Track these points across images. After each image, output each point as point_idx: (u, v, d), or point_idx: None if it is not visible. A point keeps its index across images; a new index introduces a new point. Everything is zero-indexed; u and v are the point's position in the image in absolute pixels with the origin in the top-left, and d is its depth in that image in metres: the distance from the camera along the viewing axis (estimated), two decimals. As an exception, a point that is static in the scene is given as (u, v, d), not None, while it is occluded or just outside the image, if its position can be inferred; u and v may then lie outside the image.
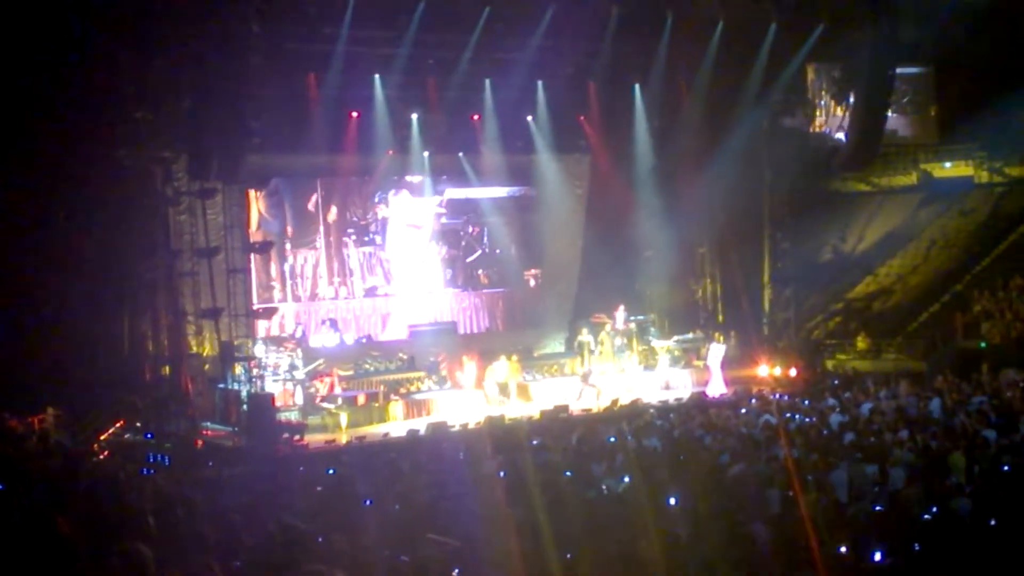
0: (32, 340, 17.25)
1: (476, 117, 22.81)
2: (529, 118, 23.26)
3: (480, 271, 25.00)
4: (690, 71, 23.16)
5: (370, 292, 23.06)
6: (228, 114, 17.49)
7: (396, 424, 18.66)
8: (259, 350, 18.64)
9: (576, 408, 19.29)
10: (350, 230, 22.93)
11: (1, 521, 6.87)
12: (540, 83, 22.74)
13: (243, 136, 17.93)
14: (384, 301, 23.10)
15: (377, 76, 20.90)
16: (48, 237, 17.87)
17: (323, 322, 21.28)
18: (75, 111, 17.80)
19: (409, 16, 19.74)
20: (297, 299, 21.89)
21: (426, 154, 22.66)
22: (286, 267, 21.92)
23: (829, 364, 23.48)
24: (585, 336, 22.23)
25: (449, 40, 20.86)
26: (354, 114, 21.30)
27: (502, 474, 11.25)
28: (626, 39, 22.01)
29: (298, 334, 20.43)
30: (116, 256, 18.35)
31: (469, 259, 24.87)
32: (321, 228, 22.43)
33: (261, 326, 19.66)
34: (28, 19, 17.24)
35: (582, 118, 23.70)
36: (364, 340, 21.68)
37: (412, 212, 23.58)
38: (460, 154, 23.29)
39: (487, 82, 22.29)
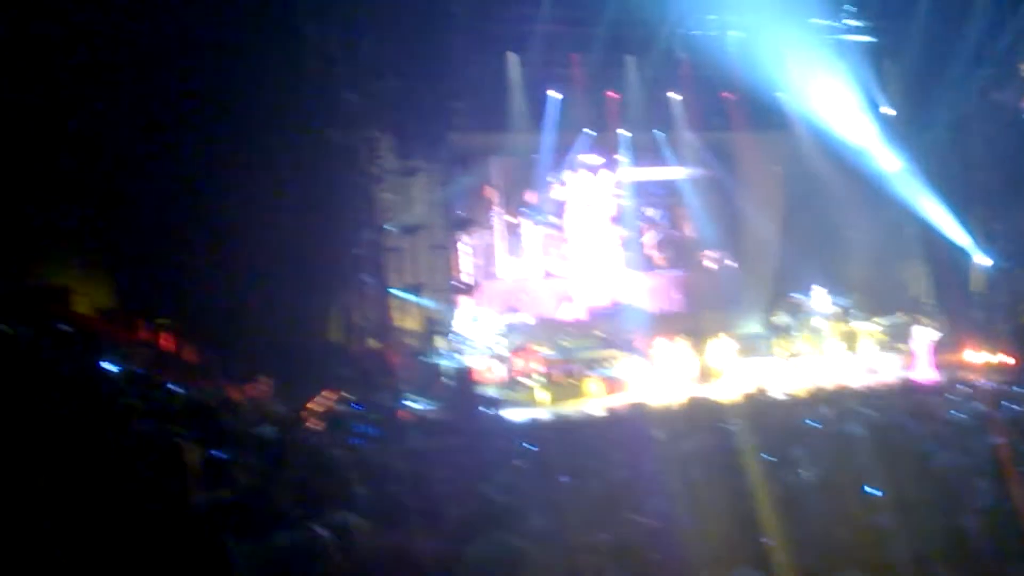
0: (248, 313, 18.08)
1: (672, 95, 22.69)
2: (727, 95, 22.98)
3: (664, 252, 24.84)
4: (895, 45, 22.46)
5: (548, 274, 23.20)
6: (431, 95, 17.99)
7: (593, 401, 18.82)
8: (460, 325, 19.09)
9: (778, 390, 19.03)
10: (526, 209, 23.09)
11: (220, 488, 7.23)
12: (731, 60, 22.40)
13: (445, 116, 18.40)
14: (563, 283, 23.22)
15: (575, 55, 21.04)
16: (263, 214, 18.67)
17: (504, 302, 21.55)
18: (289, 94, 18.55)
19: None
20: (476, 279, 22.21)
21: (621, 133, 22.66)
22: (468, 244, 22.22)
23: (1044, 350, 22.44)
24: (783, 318, 21.88)
25: (646, 18, 20.80)
26: (551, 93, 21.49)
27: (701, 455, 11.21)
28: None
29: (482, 312, 20.71)
30: (326, 232, 19.06)
31: (652, 240, 24.75)
32: (497, 207, 22.69)
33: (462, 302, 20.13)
34: (241, 5, 18.07)
35: (780, 95, 23.29)
36: (546, 321, 21.89)
37: (592, 192, 23.62)
38: (655, 132, 23.21)
39: (684, 59, 22.14)
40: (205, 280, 18.20)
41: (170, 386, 11.25)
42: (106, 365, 10.29)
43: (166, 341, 16.11)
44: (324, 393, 17.78)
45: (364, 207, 19.18)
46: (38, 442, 5.74)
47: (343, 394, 17.84)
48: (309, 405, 17.16)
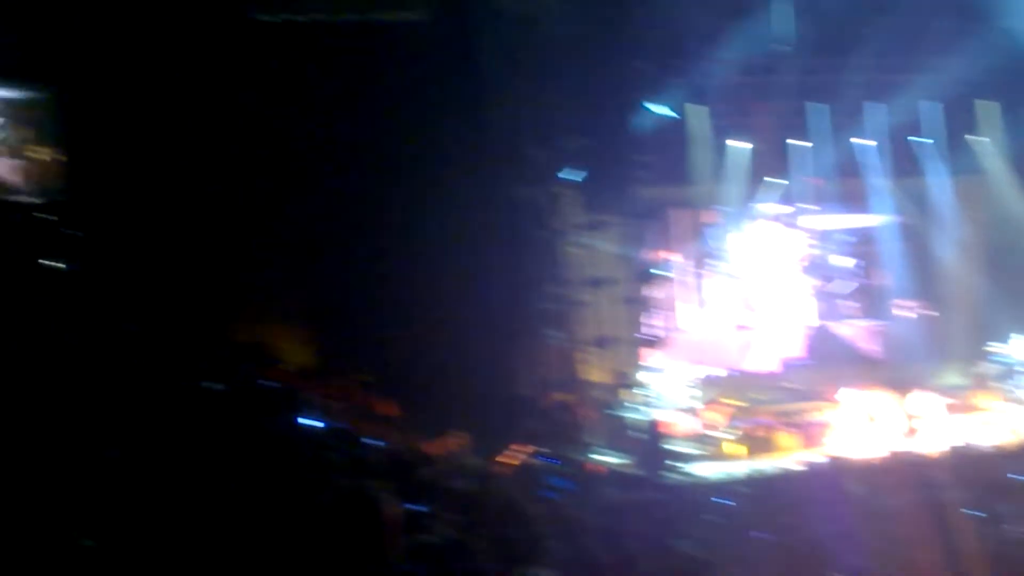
0: (442, 368, 18.43)
1: (862, 142, 22.20)
2: (912, 139, 22.33)
3: (857, 302, 24.14)
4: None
5: (734, 324, 22.84)
6: (619, 148, 18.11)
7: (789, 455, 18.40)
8: (649, 377, 18.98)
9: (982, 443, 18.25)
10: (712, 260, 22.82)
11: (420, 542, 7.37)
12: (925, 104, 21.75)
13: (634, 168, 18.48)
14: (753, 335, 22.82)
15: (756, 104, 20.87)
16: (454, 270, 19.04)
17: (692, 355, 21.29)
18: (476, 151, 18.96)
19: (794, 41, 19.59)
20: (667, 330, 21.94)
21: (809, 181, 22.28)
22: (656, 297, 22.01)
23: None
24: (986, 368, 20.98)
25: (831, 64, 20.48)
26: (733, 142, 21.35)
27: (903, 510, 10.87)
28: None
29: (670, 365, 20.47)
30: (513, 287, 19.31)
31: (845, 289, 24.10)
32: (684, 258, 22.51)
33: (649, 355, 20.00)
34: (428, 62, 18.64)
35: (971, 138, 22.43)
36: (735, 373, 21.53)
37: (780, 242, 23.21)
38: (845, 179, 22.72)
39: (866, 105, 21.66)
40: (401, 336, 18.66)
41: (368, 440, 11.54)
42: (306, 421, 10.63)
43: (364, 396, 16.56)
44: (516, 446, 17.94)
45: (550, 261, 19.37)
46: (242, 500, 5.97)
47: (534, 447, 17.96)
48: (502, 458, 17.35)
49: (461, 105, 18.72)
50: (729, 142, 21.62)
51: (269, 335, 18.20)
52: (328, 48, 18.85)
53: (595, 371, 19.65)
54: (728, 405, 19.34)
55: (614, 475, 16.97)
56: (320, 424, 10.85)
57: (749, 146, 21.40)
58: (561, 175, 19.21)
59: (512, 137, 18.97)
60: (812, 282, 23.63)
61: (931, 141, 22.32)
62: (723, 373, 20.97)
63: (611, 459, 18.02)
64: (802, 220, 23.23)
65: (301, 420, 10.57)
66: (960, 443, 17.81)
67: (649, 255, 21.64)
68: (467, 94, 18.59)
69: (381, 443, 11.81)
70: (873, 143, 22.22)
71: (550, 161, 19.10)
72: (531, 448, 17.94)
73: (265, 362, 15.47)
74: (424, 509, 7.80)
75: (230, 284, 19.24)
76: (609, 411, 18.97)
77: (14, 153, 17.73)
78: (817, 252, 23.61)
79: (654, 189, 20.55)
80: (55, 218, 18.00)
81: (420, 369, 18.61)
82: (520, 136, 19.02)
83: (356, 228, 19.24)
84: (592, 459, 17.53)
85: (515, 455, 17.59)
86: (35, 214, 18.02)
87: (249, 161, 18.90)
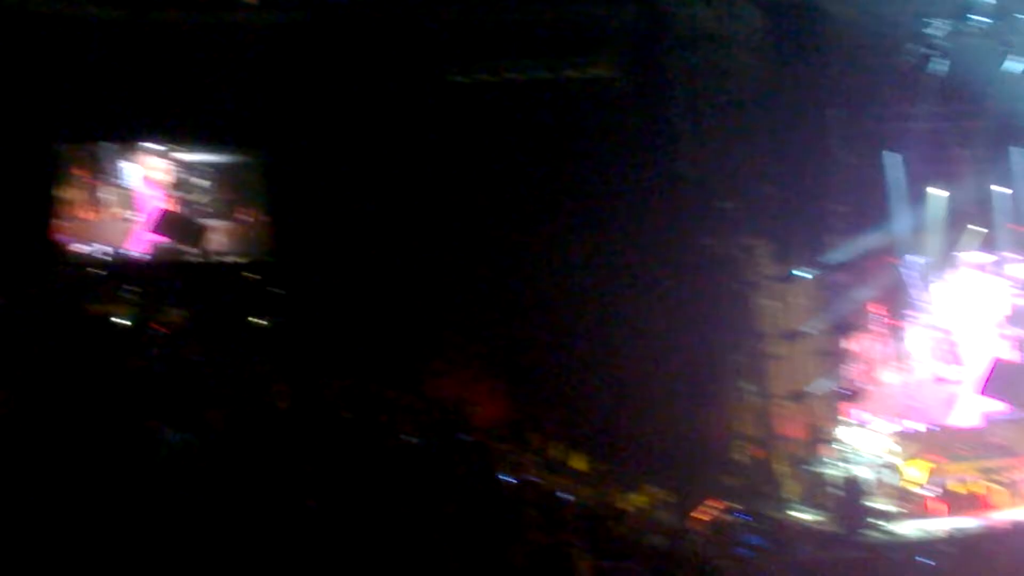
0: (635, 422, 18.52)
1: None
2: None
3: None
4: None
5: (935, 376, 22.01)
6: (811, 199, 17.93)
7: (997, 513, 17.65)
8: (847, 433, 18.56)
9: None
10: (911, 312, 22.10)
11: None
12: None
13: (827, 220, 18.25)
14: (953, 387, 21.95)
15: (956, 151, 20.31)
16: (644, 323, 19.11)
17: (891, 408, 20.63)
18: (666, 203, 19.05)
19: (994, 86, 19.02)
20: (864, 384, 21.28)
21: (1008, 228, 21.48)
22: (851, 351, 21.48)
23: None
24: None
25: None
26: (933, 189, 20.80)
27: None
28: None
29: (868, 419, 19.90)
30: (706, 340, 19.25)
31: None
32: (883, 309, 21.88)
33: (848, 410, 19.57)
34: (621, 112, 18.89)
35: None
36: (937, 428, 20.76)
37: (982, 291, 22.33)
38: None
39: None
40: (594, 390, 18.85)
41: (561, 495, 11.71)
42: (501, 475, 10.86)
43: (556, 450, 16.75)
44: (709, 502, 17.81)
45: (744, 314, 19.25)
46: (437, 553, 6.18)
47: (728, 503, 17.79)
48: (695, 514, 17.26)
49: (654, 158, 18.90)
50: (929, 190, 21.08)
51: (466, 390, 18.67)
52: (521, 105, 19.37)
53: (790, 425, 19.36)
54: (930, 461, 18.71)
55: (810, 532, 16.67)
56: (514, 479, 11.07)
57: (948, 194, 20.78)
58: (753, 227, 19.11)
59: (704, 189, 19.02)
60: (1018, 333, 22.67)
61: None
62: (922, 428, 20.29)
63: (807, 516, 17.69)
64: (1006, 269, 22.37)
65: (497, 474, 10.81)
66: None
67: (845, 306, 21.23)
68: (659, 147, 18.77)
69: (574, 498, 11.95)
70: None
71: (742, 212, 19.05)
72: (725, 503, 17.79)
73: (462, 417, 15.87)
74: (617, 565, 7.90)
75: (429, 340, 19.83)
76: (805, 466, 18.64)
77: (222, 215, 18.78)
78: (1022, 302, 22.66)
79: (851, 238, 20.21)
80: (260, 277, 19.01)
81: (613, 424, 18.72)
82: (712, 187, 19.05)
83: (552, 284, 19.58)
84: (787, 516, 17.26)
85: (708, 511, 17.47)
86: (242, 273, 19.06)
87: (448, 220, 19.53)
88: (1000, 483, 18.60)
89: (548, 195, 19.52)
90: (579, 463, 16.78)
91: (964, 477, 18.66)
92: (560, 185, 19.43)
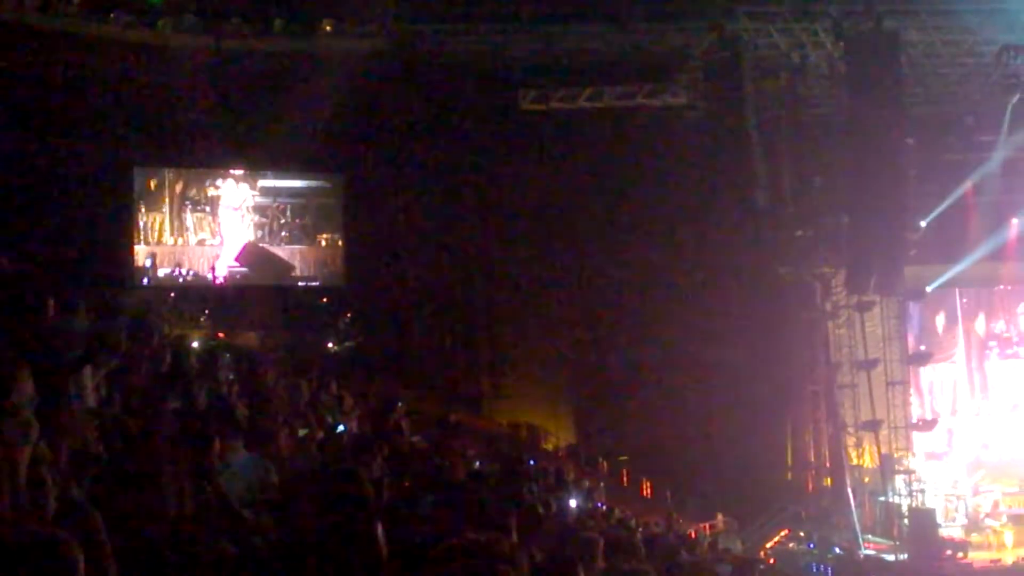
0: (704, 449, 18.48)
1: None
2: None
3: None
4: None
5: (1014, 406, 21.64)
6: (886, 227, 17.76)
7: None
8: (919, 463, 18.35)
9: None
10: (992, 343, 21.74)
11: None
12: None
13: (901, 248, 18.07)
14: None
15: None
16: (717, 351, 19.07)
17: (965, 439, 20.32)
18: (741, 231, 19.00)
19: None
20: (936, 414, 20.97)
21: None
22: (923, 381, 21.26)
23: None
24: None
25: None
26: (1014, 221, 20.50)
27: None
28: None
29: (941, 449, 19.54)
30: (779, 368, 19.16)
31: None
32: (961, 340, 21.56)
33: (920, 440, 19.35)
34: (696, 140, 18.95)
35: None
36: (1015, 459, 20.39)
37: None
38: None
39: None
40: (664, 416, 18.85)
41: (628, 521, 11.74)
42: (571, 500, 10.93)
43: (624, 477, 16.81)
44: (780, 531, 17.70)
45: (817, 343, 19.15)
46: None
47: (798, 532, 17.66)
48: (765, 543, 17.17)
49: (729, 185, 18.87)
50: (1014, 220, 20.79)
51: (537, 416, 18.77)
52: (597, 133, 19.49)
53: (863, 455, 19.18)
54: (1002, 492, 18.45)
55: (880, 563, 16.49)
56: (582, 503, 11.13)
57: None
58: (829, 256, 19.00)
59: (778, 216, 18.96)
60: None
61: None
62: (998, 459, 19.97)
63: (878, 546, 17.48)
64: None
65: (566, 499, 10.87)
66: None
67: (923, 336, 20.98)
68: (735, 175, 18.73)
69: (641, 525, 11.98)
70: None
71: (817, 241, 18.97)
72: (795, 533, 17.67)
73: (532, 442, 16.00)
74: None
75: (499, 365, 20.02)
76: (878, 497, 18.44)
77: (298, 239, 19.12)
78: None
79: (928, 267, 19.98)
80: (335, 301, 19.34)
81: (683, 450, 18.69)
82: (786, 215, 19.00)
83: (626, 311, 19.68)
84: (859, 546, 17.08)
85: (779, 540, 17.37)
86: (321, 299, 19.40)
87: (521, 245, 19.72)
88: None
89: (624, 222, 19.64)
90: (646, 489, 16.81)
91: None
92: (634, 213, 19.53)
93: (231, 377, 7.27)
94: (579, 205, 19.59)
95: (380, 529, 3.20)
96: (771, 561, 16.62)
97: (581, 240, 19.67)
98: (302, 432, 6.59)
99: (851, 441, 18.94)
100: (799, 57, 18.61)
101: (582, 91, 18.73)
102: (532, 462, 12.59)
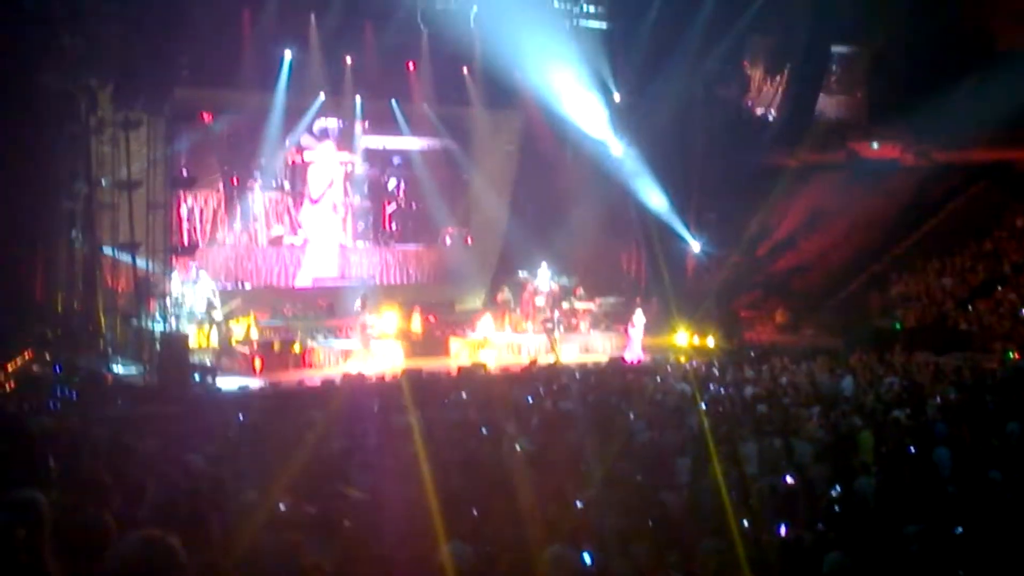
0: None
1: (411, 65, 22.62)
2: (465, 69, 23.10)
3: (396, 224, 24.75)
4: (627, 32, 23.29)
5: (275, 241, 22.67)
6: (158, 45, 17.13)
7: (311, 372, 18.47)
8: (175, 288, 18.21)
9: (495, 365, 19.18)
10: (256, 173, 22.38)
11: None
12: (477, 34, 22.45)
13: (172, 68, 17.60)
14: (290, 251, 22.77)
15: (313, 15, 20.65)
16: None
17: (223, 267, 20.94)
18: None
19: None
20: (195, 242, 21.02)
21: (357, 99, 22.40)
22: (183, 208, 21.33)
23: (747, 336, 23.59)
24: (507, 294, 22.13)
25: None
26: (287, 53, 20.97)
27: (417, 428, 11.16)
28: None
29: (200, 277, 19.60)
30: (35, 183, 17.80)
31: (385, 211, 24.63)
32: (223, 168, 21.93)
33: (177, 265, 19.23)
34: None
35: (516, 74, 23.39)
36: (269, 288, 21.43)
37: (328, 159, 23.26)
38: (392, 101, 23.02)
39: (424, 30, 22.10)
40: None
41: None
42: None
43: None
44: (24, 353, 16.66)
45: (79, 159, 18.06)
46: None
47: (43, 355, 16.75)
48: (6, 365, 16.01)
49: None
50: (285, 53, 21.18)
51: None
52: None
53: (119, 278, 18.69)
54: (255, 319, 19.15)
55: (130, 387, 16.23)
56: None
57: (299, 57, 21.07)
58: (97, 68, 17.87)
59: (43, 21, 17.43)
60: (355, 201, 23.82)
61: (471, 71, 23.12)
62: (252, 287, 20.71)
63: (127, 370, 17.19)
64: (349, 137, 23.29)
65: None
66: (471, 364, 18.66)
67: (187, 160, 20.71)
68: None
69: None
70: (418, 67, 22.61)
71: (85, 51, 17.69)
72: (41, 354, 16.75)
73: None
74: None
75: None
76: (131, 320, 18.11)
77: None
78: (362, 171, 23.80)
79: (198, 91, 19.71)
80: None
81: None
82: (52, 20, 17.51)
83: None
84: (108, 369, 16.65)
85: (21, 361, 16.36)
86: None
87: None
88: (324, 343, 19.59)
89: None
90: None
91: (290, 336, 19.35)
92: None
93: None
94: None
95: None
96: (11, 384, 15.61)
97: None
98: None
99: (107, 263, 18.35)
100: None
101: None
102: None
